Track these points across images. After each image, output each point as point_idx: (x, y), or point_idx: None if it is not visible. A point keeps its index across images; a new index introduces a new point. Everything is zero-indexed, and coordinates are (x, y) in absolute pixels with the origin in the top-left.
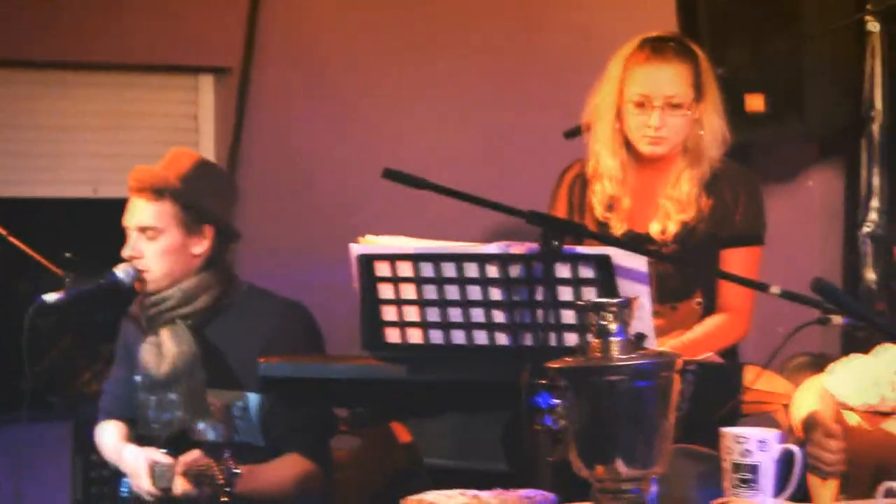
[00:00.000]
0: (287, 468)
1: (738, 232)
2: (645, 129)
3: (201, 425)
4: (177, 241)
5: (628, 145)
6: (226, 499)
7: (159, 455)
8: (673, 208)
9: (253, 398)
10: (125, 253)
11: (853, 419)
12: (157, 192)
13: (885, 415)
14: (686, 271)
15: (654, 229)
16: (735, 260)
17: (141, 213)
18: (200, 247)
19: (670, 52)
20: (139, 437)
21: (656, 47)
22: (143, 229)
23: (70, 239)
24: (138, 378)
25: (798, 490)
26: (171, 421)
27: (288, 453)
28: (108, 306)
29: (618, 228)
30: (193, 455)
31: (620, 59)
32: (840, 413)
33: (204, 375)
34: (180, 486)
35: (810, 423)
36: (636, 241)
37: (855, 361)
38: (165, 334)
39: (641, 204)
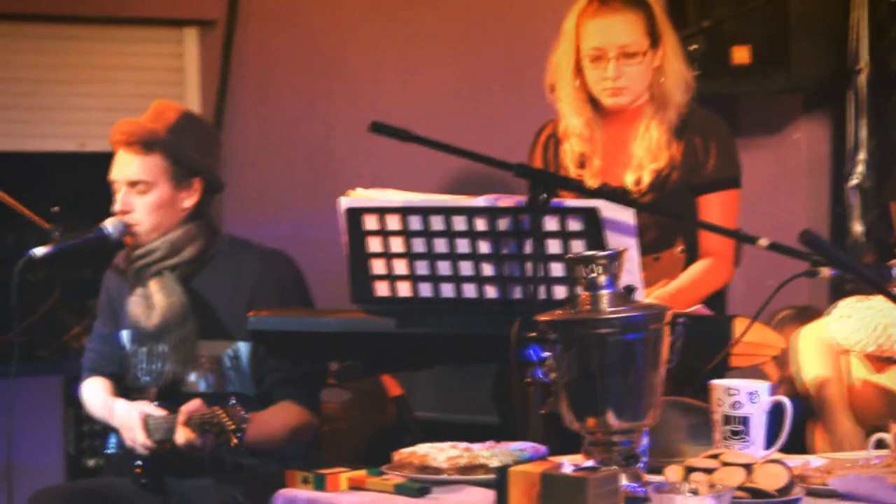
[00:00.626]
0: (283, 416)
1: (713, 178)
2: (603, 82)
3: (192, 377)
4: (167, 195)
5: (593, 101)
6: (235, 442)
7: (152, 408)
8: (645, 158)
9: (243, 347)
10: (115, 208)
11: (858, 367)
12: (146, 145)
13: (890, 360)
14: (662, 221)
15: (629, 180)
16: (713, 205)
17: (130, 166)
18: (190, 199)
19: (619, 3)
20: (126, 391)
21: (605, 0)
22: (132, 183)
23: (57, 193)
24: (126, 331)
25: (788, 441)
26: (161, 372)
27: (281, 402)
28: (95, 261)
29: (592, 185)
30: (196, 403)
31: (573, 16)
32: (843, 368)
33: (195, 325)
34: (183, 435)
35: (819, 401)
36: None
37: (857, 305)
38: (154, 286)
39: (613, 158)
